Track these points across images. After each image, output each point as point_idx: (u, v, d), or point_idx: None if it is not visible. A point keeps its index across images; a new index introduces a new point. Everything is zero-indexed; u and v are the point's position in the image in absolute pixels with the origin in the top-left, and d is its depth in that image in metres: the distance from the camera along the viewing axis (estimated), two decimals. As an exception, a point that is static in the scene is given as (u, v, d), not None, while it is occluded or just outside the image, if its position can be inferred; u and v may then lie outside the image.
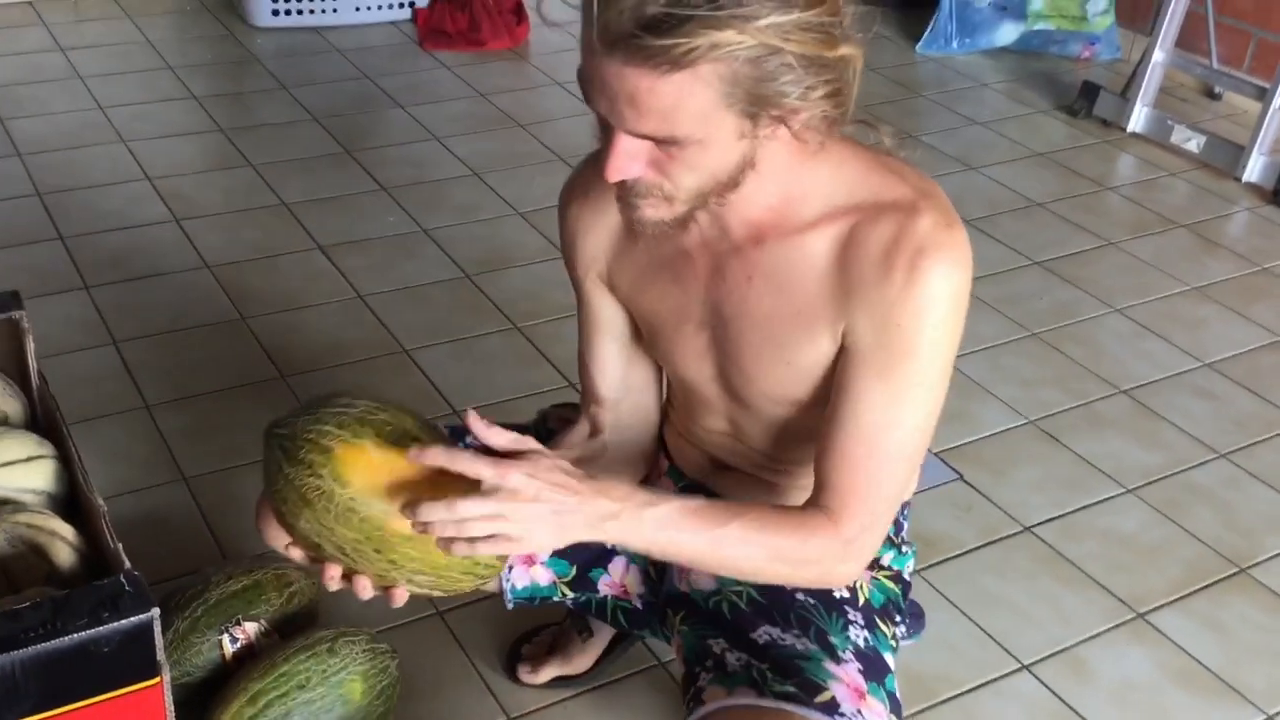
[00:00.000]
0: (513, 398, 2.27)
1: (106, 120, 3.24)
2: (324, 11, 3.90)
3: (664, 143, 1.03)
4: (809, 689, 1.17)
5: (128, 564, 1.23)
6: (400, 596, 1.15)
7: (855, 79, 1.05)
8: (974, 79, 3.89)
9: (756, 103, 1.00)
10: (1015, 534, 2.07)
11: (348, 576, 1.13)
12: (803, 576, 1.20)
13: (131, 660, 1.17)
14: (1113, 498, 2.17)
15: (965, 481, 2.17)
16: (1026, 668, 1.81)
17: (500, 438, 1.09)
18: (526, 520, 1.07)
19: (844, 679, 1.20)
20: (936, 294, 1.08)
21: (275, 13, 3.86)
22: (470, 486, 1.06)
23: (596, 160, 1.28)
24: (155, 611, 1.17)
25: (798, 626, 1.24)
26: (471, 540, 1.06)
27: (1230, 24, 3.70)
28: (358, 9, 3.93)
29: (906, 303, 1.08)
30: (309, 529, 1.09)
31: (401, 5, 3.99)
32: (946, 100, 3.74)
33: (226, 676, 1.52)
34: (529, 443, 1.10)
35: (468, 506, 1.05)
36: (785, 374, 1.19)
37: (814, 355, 1.16)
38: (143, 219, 2.80)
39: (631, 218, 1.12)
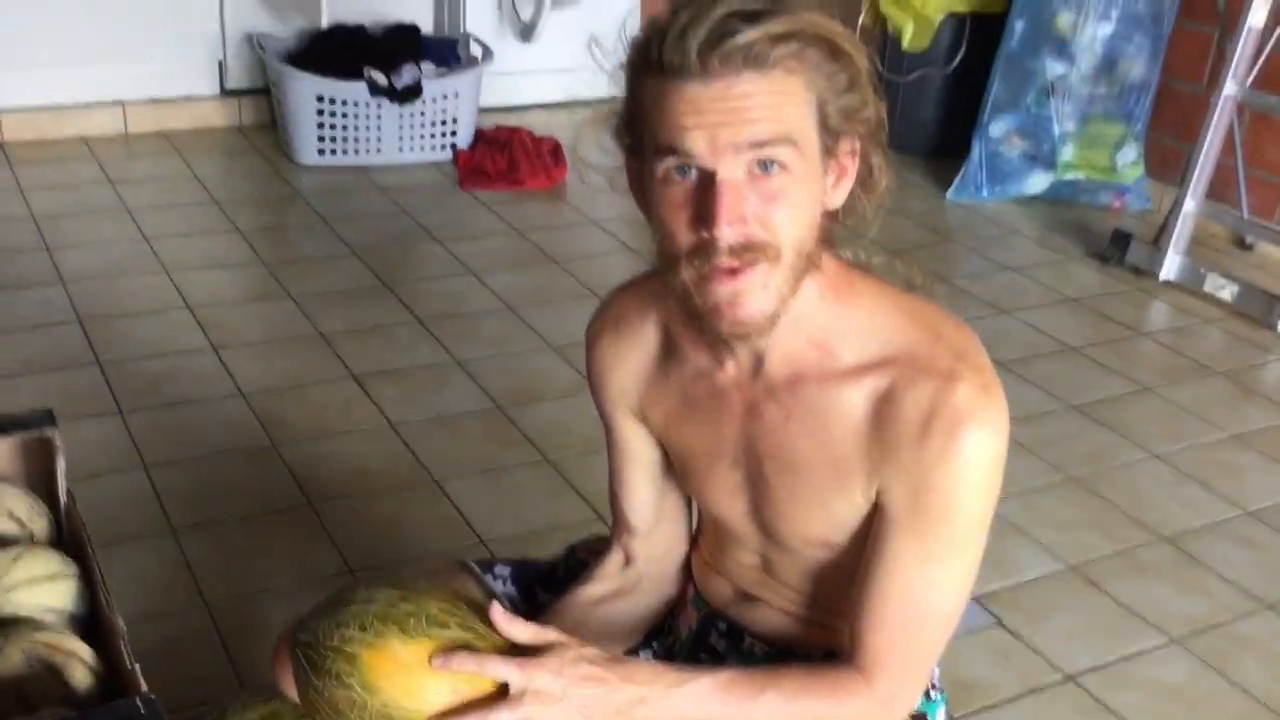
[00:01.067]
0: (540, 529, 2.25)
1: (151, 251, 3.31)
2: (368, 152, 4.01)
3: (767, 164, 1.02)
4: None
5: (144, 686, 1.21)
6: None
7: (881, 175, 1.11)
8: (1005, 226, 3.92)
9: (827, 127, 1.05)
10: (1056, 683, 2.00)
11: None
12: None
13: (143, 786, 1.14)
14: (1157, 648, 2.10)
15: (1004, 627, 2.11)
16: (1071, 825, 1.74)
17: (524, 632, 1.09)
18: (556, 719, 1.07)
19: None
20: (973, 460, 1.08)
21: (321, 152, 3.97)
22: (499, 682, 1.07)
23: (625, 293, 1.29)
24: (169, 735, 1.14)
25: None
26: None
27: (1261, 176, 3.73)
28: (401, 150, 4.04)
29: (943, 469, 1.08)
30: None
31: (443, 147, 4.10)
32: (978, 246, 3.76)
33: (239, 810, 1.47)
34: (551, 634, 1.11)
35: (499, 718, 1.05)
36: (821, 517, 1.18)
37: (848, 505, 1.16)
38: (181, 347, 2.84)
39: (735, 319, 1.07)
